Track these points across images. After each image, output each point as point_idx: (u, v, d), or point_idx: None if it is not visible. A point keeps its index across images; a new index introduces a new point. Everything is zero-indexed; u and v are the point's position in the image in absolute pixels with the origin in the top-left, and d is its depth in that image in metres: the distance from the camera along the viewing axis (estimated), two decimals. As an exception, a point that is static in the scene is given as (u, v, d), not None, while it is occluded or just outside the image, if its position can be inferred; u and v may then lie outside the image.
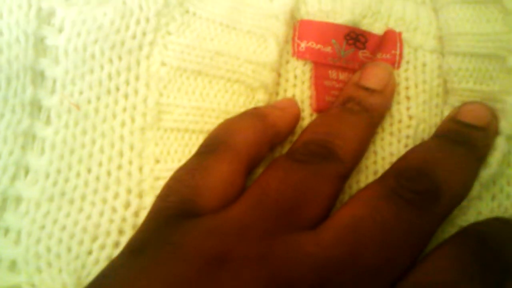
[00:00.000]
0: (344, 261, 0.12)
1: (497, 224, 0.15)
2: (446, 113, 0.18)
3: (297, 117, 0.17)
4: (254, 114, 0.16)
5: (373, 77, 0.17)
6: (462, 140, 0.16)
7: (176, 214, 0.13)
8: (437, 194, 0.14)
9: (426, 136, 0.18)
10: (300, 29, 0.18)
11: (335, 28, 0.18)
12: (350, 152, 0.15)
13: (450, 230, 0.16)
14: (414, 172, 0.14)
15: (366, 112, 0.16)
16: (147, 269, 0.11)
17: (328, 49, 0.18)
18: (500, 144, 0.16)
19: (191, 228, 0.12)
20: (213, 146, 0.15)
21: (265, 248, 0.12)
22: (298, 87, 0.18)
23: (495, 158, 0.16)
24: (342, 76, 0.18)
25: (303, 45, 0.18)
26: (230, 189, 0.14)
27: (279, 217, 0.13)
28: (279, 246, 0.12)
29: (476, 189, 0.16)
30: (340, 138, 0.15)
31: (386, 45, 0.18)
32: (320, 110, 0.18)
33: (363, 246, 0.12)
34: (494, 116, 0.17)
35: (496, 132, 0.16)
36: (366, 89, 0.17)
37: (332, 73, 0.18)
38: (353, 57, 0.18)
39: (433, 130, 0.18)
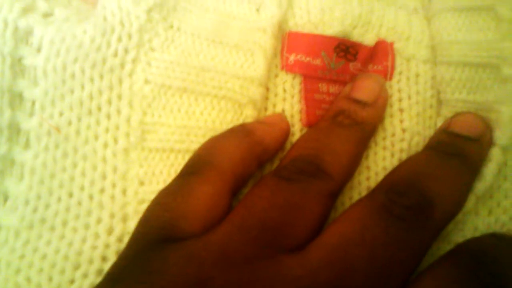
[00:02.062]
0: (332, 283, 0.11)
1: (493, 240, 0.15)
2: (440, 124, 0.18)
3: (287, 133, 0.17)
4: (240, 131, 0.16)
5: (364, 89, 0.17)
6: (454, 152, 0.15)
7: (157, 239, 0.12)
8: (429, 208, 0.13)
9: (420, 149, 0.17)
10: (289, 42, 0.18)
11: (324, 40, 0.18)
12: (340, 168, 0.15)
13: (445, 247, 0.16)
14: (404, 186, 0.14)
15: (357, 126, 0.16)
16: None
17: (318, 61, 0.18)
18: (495, 155, 0.16)
19: (172, 254, 0.12)
20: (196, 167, 0.14)
21: (248, 274, 0.12)
22: (288, 101, 0.18)
23: (490, 170, 0.16)
24: (333, 89, 0.18)
25: (292, 58, 0.18)
26: (214, 212, 0.13)
27: (265, 240, 0.12)
28: (263, 271, 0.12)
29: (471, 202, 0.16)
30: (329, 153, 0.15)
31: (377, 56, 0.18)
32: (311, 124, 0.17)
33: (352, 267, 0.12)
34: (487, 127, 0.16)
35: (490, 143, 0.16)
36: (357, 101, 0.17)
37: (323, 86, 0.18)
38: (343, 70, 0.18)
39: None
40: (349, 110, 0.16)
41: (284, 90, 0.18)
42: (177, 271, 0.11)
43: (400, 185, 0.14)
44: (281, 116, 0.17)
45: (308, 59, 0.18)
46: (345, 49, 0.18)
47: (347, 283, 0.12)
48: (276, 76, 0.18)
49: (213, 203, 0.13)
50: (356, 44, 0.18)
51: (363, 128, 0.16)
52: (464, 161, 0.15)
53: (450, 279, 0.13)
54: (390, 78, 0.18)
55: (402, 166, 0.15)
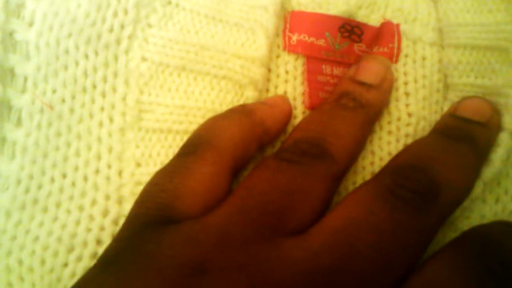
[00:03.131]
0: (335, 268, 0.11)
1: (501, 227, 0.14)
2: (447, 109, 0.17)
3: (288, 115, 0.16)
4: (240, 111, 0.15)
5: (369, 71, 0.16)
6: (461, 136, 0.15)
7: (153, 221, 0.12)
8: (435, 193, 0.13)
9: (426, 134, 0.17)
10: (292, 21, 0.17)
11: (328, 19, 0.17)
12: (344, 150, 0.14)
13: (452, 235, 0.15)
14: (410, 169, 0.13)
15: (362, 108, 0.16)
16: (119, 283, 0.11)
17: (322, 42, 0.17)
18: (504, 140, 0.15)
19: (168, 236, 0.11)
20: (194, 147, 0.14)
21: (247, 257, 0.11)
22: (290, 83, 0.17)
23: (498, 155, 0.15)
24: (337, 71, 0.17)
25: (294, 38, 0.17)
26: (213, 193, 0.13)
27: (265, 222, 0.12)
28: (262, 254, 0.11)
29: (479, 188, 0.15)
30: (333, 135, 0.14)
31: (383, 38, 0.18)
32: (314, 107, 0.17)
33: (356, 252, 0.11)
34: (495, 111, 0.16)
35: (498, 128, 0.16)
36: (362, 84, 0.16)
37: (326, 68, 0.17)
38: (348, 51, 0.17)
39: (433, 127, 0.17)
40: (353, 92, 0.16)
41: (286, 72, 0.17)
42: (173, 254, 0.11)
43: (406, 168, 0.14)
44: (283, 98, 0.17)
45: (311, 39, 0.17)
46: (350, 29, 0.17)
47: (351, 267, 0.11)
48: (278, 56, 0.17)
49: (211, 184, 0.13)
50: (361, 24, 0.18)
51: (368, 111, 0.16)
52: (471, 145, 0.15)
53: (457, 265, 0.12)
54: (396, 61, 0.17)
55: (408, 149, 0.15)
